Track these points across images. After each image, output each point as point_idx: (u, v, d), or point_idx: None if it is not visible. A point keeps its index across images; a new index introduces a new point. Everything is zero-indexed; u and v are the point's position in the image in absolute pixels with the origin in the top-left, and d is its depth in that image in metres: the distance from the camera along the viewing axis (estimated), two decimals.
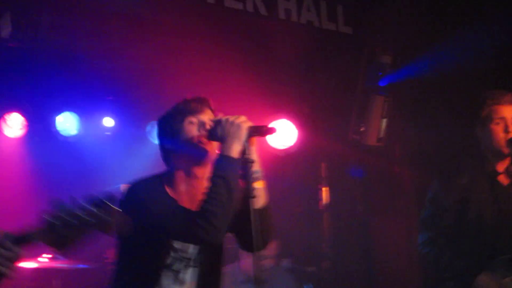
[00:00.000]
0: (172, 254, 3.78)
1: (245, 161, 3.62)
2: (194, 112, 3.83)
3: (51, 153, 8.49)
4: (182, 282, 3.84)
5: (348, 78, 7.88)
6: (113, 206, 3.03)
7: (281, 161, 8.36)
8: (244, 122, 3.65)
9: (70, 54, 7.31)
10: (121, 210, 3.06)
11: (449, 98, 7.58)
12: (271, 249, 7.37)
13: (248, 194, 3.60)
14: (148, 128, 8.49)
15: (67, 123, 8.34)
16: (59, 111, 8.25)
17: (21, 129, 8.17)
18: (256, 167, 3.69)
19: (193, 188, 3.86)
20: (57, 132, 8.28)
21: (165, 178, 3.87)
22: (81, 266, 7.51)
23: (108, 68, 7.60)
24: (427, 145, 7.98)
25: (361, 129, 7.72)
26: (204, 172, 3.86)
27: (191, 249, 3.82)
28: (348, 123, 7.82)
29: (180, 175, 3.86)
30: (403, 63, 7.55)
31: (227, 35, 7.14)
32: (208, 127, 3.75)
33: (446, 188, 5.41)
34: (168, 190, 3.81)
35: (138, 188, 3.76)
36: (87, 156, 8.61)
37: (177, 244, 3.77)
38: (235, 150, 3.60)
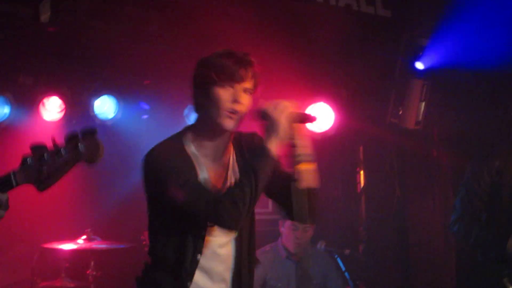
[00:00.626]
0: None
1: (288, 145, 3.61)
2: (235, 79, 3.72)
3: None
4: (221, 245, 3.86)
5: (386, 61, 7.81)
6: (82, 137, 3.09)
7: (318, 145, 8.33)
8: (287, 108, 3.63)
9: (108, 38, 7.33)
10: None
11: (488, 80, 7.51)
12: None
13: (291, 177, 3.61)
14: (185, 112, 8.49)
15: (104, 106, 8.38)
16: (97, 94, 8.28)
17: (59, 112, 8.22)
18: (300, 151, 3.68)
19: (216, 144, 3.86)
20: (94, 116, 8.32)
21: (192, 130, 3.87)
22: (118, 246, 7.58)
23: (146, 52, 7.61)
24: (466, 128, 7.91)
25: (400, 113, 7.66)
26: (227, 135, 3.88)
27: None
28: (387, 106, 7.76)
29: (205, 129, 3.82)
30: (441, 46, 7.46)
31: (265, 19, 7.11)
32: (241, 101, 3.75)
33: (478, 172, 5.41)
34: (193, 145, 3.82)
35: (159, 157, 3.75)
36: (124, 139, 8.64)
37: None
38: (274, 143, 3.59)
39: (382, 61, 7.87)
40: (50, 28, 6.92)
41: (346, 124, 8.26)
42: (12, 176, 3.08)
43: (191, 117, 8.69)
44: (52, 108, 8.18)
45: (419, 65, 7.42)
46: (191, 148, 3.81)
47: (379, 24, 7.65)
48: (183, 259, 3.76)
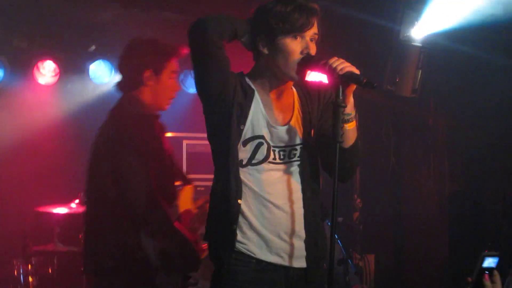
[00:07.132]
0: (266, 144, 3.72)
1: (337, 106, 3.52)
2: (302, 29, 3.62)
3: (84, 101, 8.51)
4: (286, 173, 3.81)
5: (384, 27, 7.74)
6: None
7: None
8: (345, 67, 3.57)
9: (104, 2, 7.28)
10: None
11: (486, 48, 7.47)
12: None
13: (336, 138, 3.52)
14: (181, 77, 8.45)
15: (100, 71, 8.35)
16: (92, 59, 8.25)
17: (53, 76, 8.21)
18: (348, 110, 3.59)
19: (279, 88, 3.78)
20: (89, 80, 8.30)
21: (250, 75, 3.79)
22: None
23: (143, 16, 7.55)
24: (462, 97, 7.89)
25: (396, 80, 7.61)
26: (289, 84, 3.82)
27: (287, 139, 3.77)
28: (383, 73, 7.71)
29: (266, 74, 3.73)
30: (441, 12, 7.40)
31: None
32: (310, 51, 3.64)
33: None
34: (254, 83, 3.75)
35: None
36: None
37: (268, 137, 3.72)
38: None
39: (380, 26, 7.79)
40: None
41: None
42: None
43: (187, 83, 8.65)
44: (46, 72, 8.17)
45: (417, 32, 7.36)
46: (251, 84, 3.75)
47: None
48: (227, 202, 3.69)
